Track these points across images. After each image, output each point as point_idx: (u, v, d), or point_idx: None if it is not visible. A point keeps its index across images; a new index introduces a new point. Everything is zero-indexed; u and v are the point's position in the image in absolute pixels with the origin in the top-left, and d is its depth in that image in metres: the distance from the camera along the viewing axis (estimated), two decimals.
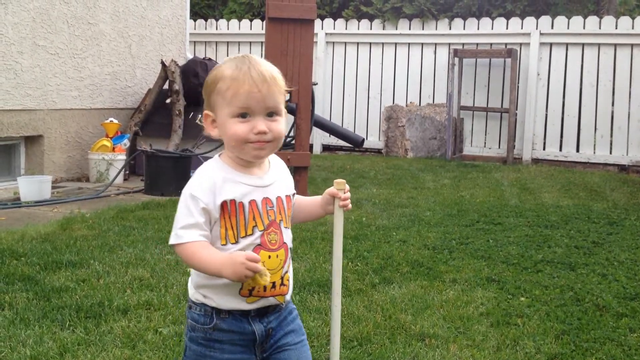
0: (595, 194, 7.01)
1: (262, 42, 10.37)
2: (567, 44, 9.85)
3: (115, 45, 7.92)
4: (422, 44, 10.64)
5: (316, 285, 3.60)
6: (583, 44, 9.75)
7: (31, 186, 6.05)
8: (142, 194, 6.60)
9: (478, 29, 10.36)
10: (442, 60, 10.48)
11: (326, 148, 11.04)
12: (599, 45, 9.67)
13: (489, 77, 10.28)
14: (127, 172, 7.50)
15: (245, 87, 1.69)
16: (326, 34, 10.98)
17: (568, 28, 9.84)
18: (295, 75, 5.82)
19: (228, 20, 11.86)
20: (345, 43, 11.02)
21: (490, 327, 3.12)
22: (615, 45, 9.58)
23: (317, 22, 10.80)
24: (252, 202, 1.72)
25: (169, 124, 7.73)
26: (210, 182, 1.71)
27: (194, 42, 11.41)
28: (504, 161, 9.75)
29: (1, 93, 6.52)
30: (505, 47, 9.98)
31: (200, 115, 1.74)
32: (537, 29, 9.94)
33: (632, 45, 9.49)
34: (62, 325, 2.96)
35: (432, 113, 10.24)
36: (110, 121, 7.41)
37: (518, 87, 9.95)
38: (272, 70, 1.75)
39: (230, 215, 1.70)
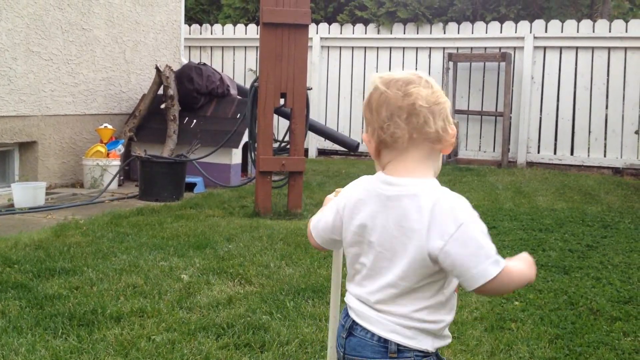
0: (589, 197, 7.03)
1: (257, 47, 10.38)
2: (561, 48, 9.87)
3: (110, 51, 7.91)
4: (417, 48, 10.65)
5: (311, 291, 3.60)
6: (577, 48, 9.78)
7: (25, 192, 6.03)
8: (136, 200, 6.59)
9: (472, 33, 10.38)
10: (436, 64, 10.49)
11: (322, 152, 11.04)
12: (592, 48, 9.70)
13: (483, 81, 10.29)
14: (122, 177, 7.49)
15: None
16: (321, 38, 10.99)
17: (562, 32, 9.87)
18: (290, 80, 5.82)
19: (223, 25, 11.86)
20: (340, 47, 11.03)
21: (484, 332, 3.12)
22: (609, 48, 9.61)
23: (312, 26, 10.81)
24: None
25: (163, 130, 7.72)
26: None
27: (189, 47, 11.41)
28: (499, 164, 9.76)
29: None
30: (500, 51, 10.00)
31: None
32: (531, 32, 9.96)
33: (625, 48, 9.52)
34: (55, 333, 2.95)
35: None
36: (105, 127, 7.40)
37: (512, 90, 9.97)
38: None
39: None
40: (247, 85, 8.80)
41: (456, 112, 10.30)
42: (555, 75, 9.91)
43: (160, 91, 7.96)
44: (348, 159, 10.55)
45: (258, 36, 6.17)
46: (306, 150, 10.56)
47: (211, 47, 11.66)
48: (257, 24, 11.06)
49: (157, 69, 7.84)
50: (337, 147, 10.14)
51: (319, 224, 1.69)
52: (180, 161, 6.74)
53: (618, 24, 9.67)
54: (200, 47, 11.68)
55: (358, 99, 10.93)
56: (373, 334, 1.52)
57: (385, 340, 1.51)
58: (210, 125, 7.78)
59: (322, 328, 3.07)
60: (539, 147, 10.04)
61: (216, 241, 4.66)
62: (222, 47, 11.61)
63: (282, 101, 5.95)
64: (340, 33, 11.06)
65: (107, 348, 2.80)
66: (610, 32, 9.61)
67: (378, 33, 10.97)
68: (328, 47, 11.05)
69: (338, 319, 1.75)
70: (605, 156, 9.68)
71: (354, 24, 11.27)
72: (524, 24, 10.10)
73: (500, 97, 10.11)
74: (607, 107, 9.71)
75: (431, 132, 1.51)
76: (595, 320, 3.30)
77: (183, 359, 2.71)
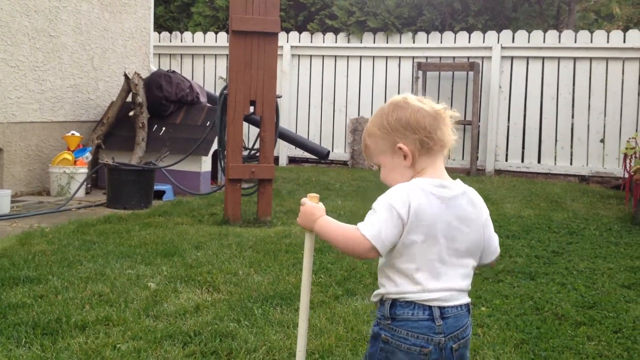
0: (556, 204, 7.13)
1: (227, 55, 10.36)
2: (527, 58, 10.03)
3: (77, 58, 7.83)
4: (387, 57, 10.73)
5: (279, 298, 3.59)
6: (543, 58, 9.94)
7: None
8: (104, 208, 6.52)
9: (441, 42, 10.49)
10: (406, 73, 10.58)
11: (292, 160, 11.04)
12: (558, 58, 9.87)
13: (452, 90, 10.40)
14: (89, 185, 7.41)
15: None
16: (292, 46, 11.02)
17: (529, 42, 10.03)
18: (260, 87, 5.82)
19: (193, 32, 11.83)
20: (311, 56, 11.06)
21: None
22: (575, 58, 9.78)
23: (283, 35, 10.83)
24: None
25: (132, 137, 7.66)
26: None
27: (159, 54, 11.34)
28: (468, 172, 9.86)
29: None
30: (468, 60, 10.12)
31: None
32: (498, 42, 10.10)
33: (590, 58, 9.70)
34: (18, 343, 2.90)
35: None
36: (72, 134, 7.31)
37: (480, 99, 10.09)
38: (365, 131, 1.99)
39: None
40: (217, 93, 8.78)
41: None
42: (522, 84, 10.06)
43: (129, 99, 7.89)
44: (318, 167, 10.57)
45: (228, 44, 6.16)
46: (277, 158, 10.56)
47: (181, 55, 11.61)
48: (227, 32, 11.04)
49: (126, 76, 7.78)
50: (307, 155, 10.14)
51: (383, 237, 1.81)
52: (148, 169, 6.69)
53: (583, 34, 9.85)
54: (170, 54, 11.62)
55: (328, 107, 10.97)
56: (461, 305, 1.85)
57: (467, 304, 1.88)
58: (179, 133, 7.74)
59: (290, 335, 3.07)
60: (506, 155, 10.16)
61: (184, 249, 4.63)
62: (192, 54, 11.56)
63: (251, 109, 5.94)
64: (311, 42, 11.09)
65: (72, 357, 2.76)
66: (575, 42, 9.79)
67: (348, 42, 11.03)
68: (299, 55, 11.07)
69: (307, 322, 1.89)
70: (571, 164, 9.84)
71: (324, 32, 11.32)
72: (491, 34, 10.24)
73: (468, 106, 10.22)
74: (573, 116, 9.88)
75: (452, 139, 1.92)
76: (560, 325, 3.34)
77: None
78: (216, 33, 11.61)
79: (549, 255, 4.76)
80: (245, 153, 6.68)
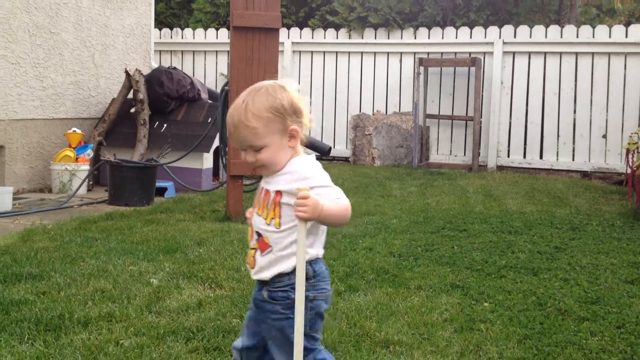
0: (558, 200, 7.12)
1: (228, 51, 10.35)
2: (529, 53, 10.00)
3: (78, 55, 7.83)
4: (388, 53, 10.71)
5: None
6: (545, 53, 9.92)
7: None
8: (106, 205, 6.51)
9: (442, 38, 10.47)
10: (407, 69, 10.56)
11: None
12: (560, 54, 9.84)
13: (453, 86, 10.39)
14: (91, 182, 7.41)
15: (229, 131, 2.15)
16: (293, 43, 11.00)
17: (530, 37, 10.00)
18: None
19: (194, 29, 11.81)
20: (312, 52, 11.04)
21: (454, 333, 3.13)
22: (577, 53, 9.76)
23: (284, 31, 10.82)
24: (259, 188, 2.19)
25: (133, 134, 7.65)
26: None
27: (160, 51, 11.33)
28: (470, 168, 9.84)
29: None
30: (470, 56, 10.10)
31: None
32: (500, 38, 10.08)
33: (592, 53, 9.68)
34: (21, 339, 2.90)
35: (399, 121, 10.31)
36: (73, 131, 7.31)
37: (482, 95, 10.07)
38: (242, 113, 2.07)
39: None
40: (218, 90, 8.76)
41: (427, 116, 10.38)
42: (524, 80, 10.04)
43: (130, 95, 7.89)
44: (320, 163, 10.54)
45: (229, 40, 6.15)
46: None
47: (182, 52, 11.59)
48: (228, 29, 11.01)
49: (127, 72, 7.77)
50: (309, 151, 10.13)
51: None
52: (150, 165, 6.69)
53: (585, 29, 9.83)
54: (171, 51, 11.61)
55: (330, 103, 10.96)
56: None
57: None
58: (181, 130, 7.74)
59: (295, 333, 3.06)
60: (508, 151, 10.15)
61: (187, 245, 4.63)
62: (193, 51, 11.55)
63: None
64: (312, 38, 11.08)
65: (74, 353, 2.76)
66: (577, 37, 9.76)
67: (349, 38, 11.01)
68: (300, 51, 11.06)
69: (304, 313, 2.00)
70: (573, 160, 9.82)
71: (325, 28, 11.30)
72: (493, 30, 10.22)
73: (470, 102, 10.20)
74: (575, 112, 9.86)
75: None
76: (564, 320, 3.34)
77: None
78: (217, 29, 11.60)
79: (552, 251, 4.76)
80: None
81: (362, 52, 10.83)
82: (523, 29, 10.10)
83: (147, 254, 4.36)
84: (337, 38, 10.99)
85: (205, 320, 3.15)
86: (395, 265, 4.25)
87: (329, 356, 2.18)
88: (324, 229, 2.14)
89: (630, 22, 12.75)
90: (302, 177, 2.06)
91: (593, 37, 9.68)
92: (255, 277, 2.16)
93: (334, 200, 2.04)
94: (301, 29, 11.27)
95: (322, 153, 9.34)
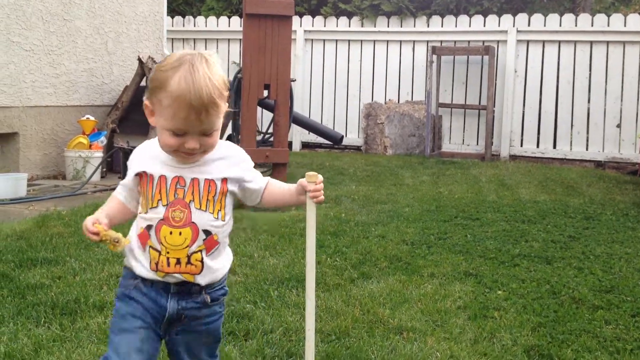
0: (571, 190, 7.08)
1: (240, 39, 10.33)
2: (543, 41, 9.93)
3: (92, 42, 7.84)
4: (401, 41, 10.66)
5: (295, 281, 3.60)
6: (559, 41, 9.85)
7: (6, 184, 5.97)
8: None
9: (456, 26, 10.41)
10: (420, 57, 10.51)
11: (305, 145, 11.03)
12: (575, 42, 9.77)
13: (466, 75, 10.33)
14: (104, 169, 7.44)
15: (184, 113, 1.72)
16: (305, 31, 10.97)
17: (545, 25, 9.93)
18: (274, 71, 5.80)
19: (206, 17, 11.80)
20: (324, 40, 11.01)
21: (467, 320, 3.13)
22: (591, 42, 9.68)
23: (296, 19, 10.79)
24: (162, 177, 1.84)
25: (146, 121, 7.57)
26: (141, 155, 1.92)
27: (172, 39, 11.34)
28: (482, 158, 9.80)
29: None
30: (483, 44, 10.04)
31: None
32: (514, 26, 10.01)
33: (607, 42, 9.60)
34: (37, 322, 2.93)
35: (411, 110, 10.28)
36: (87, 118, 7.33)
37: (496, 84, 10.02)
38: (212, 90, 1.72)
39: (145, 186, 1.86)
40: (231, 77, 8.77)
41: (440, 105, 10.34)
42: (538, 69, 9.97)
43: (143, 83, 7.89)
44: (332, 152, 10.55)
45: (241, 28, 6.14)
46: (290, 144, 10.54)
47: (194, 40, 11.59)
48: (241, 16, 11.02)
49: (140, 60, 7.78)
50: (321, 140, 10.13)
51: None
52: None
53: (600, 18, 9.74)
54: (183, 39, 11.62)
55: (342, 91, 10.93)
56: None
57: None
58: None
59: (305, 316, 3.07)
60: (522, 140, 10.10)
61: None
62: (206, 39, 11.55)
63: (266, 93, 5.93)
64: (324, 26, 11.04)
65: (90, 336, 2.79)
66: (592, 26, 9.68)
67: (362, 26, 10.97)
68: (312, 40, 11.03)
69: (314, 301, 1.97)
70: (587, 149, 9.77)
71: (337, 16, 11.26)
72: (507, 18, 10.14)
73: (483, 91, 10.15)
74: (589, 101, 9.79)
75: None
76: (578, 309, 3.33)
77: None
78: (229, 17, 11.59)
79: (566, 240, 4.74)
80: (259, 137, 6.68)
81: (374, 41, 10.79)
82: (537, 18, 10.02)
83: None
84: (349, 26, 10.95)
85: None
86: (408, 253, 4.25)
87: None
88: None
89: None
90: (240, 159, 1.91)
91: (608, 25, 9.60)
92: (201, 282, 1.86)
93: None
94: (313, 17, 11.24)
95: (334, 142, 9.35)
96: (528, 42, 10.00)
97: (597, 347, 2.86)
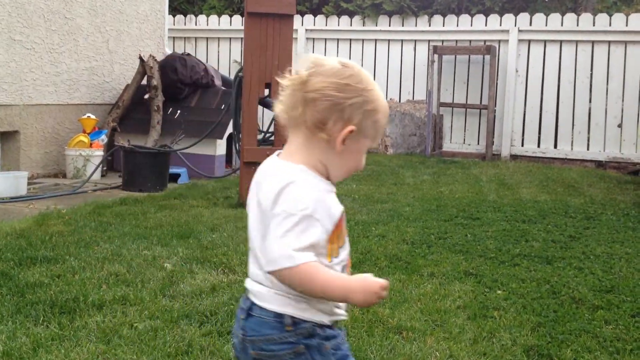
0: (572, 190, 7.07)
1: (241, 38, 10.31)
2: (545, 41, 9.92)
3: (93, 40, 7.84)
4: (402, 40, 10.65)
5: None
6: (561, 41, 9.83)
7: (7, 182, 5.97)
8: (119, 190, 6.54)
9: (457, 25, 10.39)
10: (421, 56, 10.50)
11: None
12: (576, 42, 9.75)
13: (468, 74, 10.32)
14: (105, 168, 7.44)
15: (383, 130, 1.67)
16: (306, 30, 10.97)
17: (546, 25, 9.91)
18: (275, 70, 5.79)
19: (208, 15, 11.80)
20: (326, 39, 11.00)
21: (467, 320, 3.13)
22: (593, 42, 9.66)
23: (297, 18, 10.78)
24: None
25: (147, 120, 7.67)
26: (322, 194, 1.55)
27: (173, 37, 11.33)
28: (483, 157, 9.79)
29: None
30: (484, 44, 10.02)
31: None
32: (515, 25, 9.99)
33: (609, 42, 9.58)
34: (36, 321, 2.92)
35: (412, 109, 10.27)
36: (88, 117, 7.33)
37: (497, 83, 10.00)
38: None
39: (341, 225, 1.57)
40: (232, 76, 8.76)
41: (441, 104, 10.33)
42: (540, 68, 9.96)
43: (144, 81, 7.90)
44: None
45: (243, 27, 6.14)
46: None
47: (195, 38, 11.59)
48: (242, 15, 11.01)
49: (141, 59, 7.78)
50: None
51: None
52: (164, 152, 6.70)
53: (602, 17, 9.72)
54: (185, 37, 11.61)
55: None
56: (269, 311, 1.55)
57: (281, 315, 1.54)
58: (194, 116, 7.74)
59: None
60: (522, 140, 10.09)
61: (200, 231, 4.64)
62: (207, 38, 11.54)
63: (267, 92, 5.92)
64: (326, 25, 11.03)
65: (89, 335, 2.78)
66: (594, 26, 9.66)
67: (363, 25, 10.96)
68: (313, 39, 11.02)
69: None
70: (588, 149, 9.75)
71: (339, 15, 11.25)
72: (508, 17, 10.13)
73: (484, 90, 10.14)
74: (590, 101, 9.77)
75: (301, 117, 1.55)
76: (577, 308, 3.32)
77: (166, 346, 2.70)
78: (231, 16, 11.58)
79: (566, 240, 4.73)
80: (260, 136, 6.68)
81: (376, 40, 10.78)
82: (539, 17, 10.01)
83: (161, 239, 4.38)
84: (351, 25, 10.94)
85: (218, 305, 3.16)
86: (408, 253, 4.24)
87: None
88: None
89: None
90: None
91: (610, 25, 9.58)
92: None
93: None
94: (315, 16, 11.23)
95: None
96: (529, 41, 9.98)
97: (596, 347, 2.86)
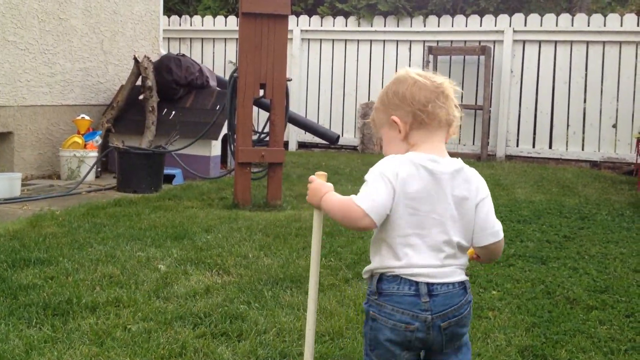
0: (567, 190, 7.08)
1: (236, 39, 10.30)
2: (540, 42, 9.93)
3: (87, 41, 7.82)
4: (397, 41, 10.66)
5: (289, 281, 3.58)
6: (556, 42, 9.85)
7: (0, 183, 5.94)
8: (114, 191, 6.52)
9: (452, 26, 10.40)
10: (416, 57, 10.51)
11: (302, 145, 11.02)
12: (571, 42, 9.77)
13: (463, 74, 10.33)
14: (99, 169, 7.42)
15: None
16: (301, 30, 10.96)
17: (541, 25, 9.93)
18: (269, 70, 5.79)
19: (202, 16, 11.78)
20: (321, 40, 11.00)
21: None
22: (587, 42, 9.68)
23: (292, 18, 10.77)
24: None
25: (142, 121, 7.65)
26: None
27: (168, 38, 11.31)
28: (478, 158, 9.80)
29: None
30: (479, 44, 10.03)
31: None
32: (510, 26, 10.01)
33: (603, 42, 9.60)
34: (29, 323, 2.91)
35: None
36: (82, 118, 7.31)
37: (492, 84, 10.01)
38: (373, 108, 1.99)
39: None
40: (227, 77, 8.75)
41: None
42: (535, 69, 9.97)
43: (139, 82, 7.88)
44: (328, 152, 10.54)
45: (238, 28, 6.13)
46: (286, 143, 10.54)
47: (190, 39, 11.57)
48: (237, 16, 11.00)
49: (136, 59, 7.76)
50: (317, 139, 10.11)
51: (376, 204, 1.78)
52: (158, 152, 6.69)
53: (596, 18, 9.74)
54: (180, 38, 11.59)
55: (338, 91, 10.92)
56: (454, 283, 1.82)
57: (463, 282, 1.86)
58: (189, 117, 7.73)
59: (300, 317, 3.06)
60: (518, 140, 10.10)
61: (194, 232, 4.63)
62: (202, 38, 11.53)
63: (261, 92, 5.91)
64: (321, 25, 11.03)
65: (82, 337, 2.77)
66: (588, 26, 9.68)
67: (359, 26, 10.96)
68: (308, 39, 11.02)
69: (317, 302, 1.92)
70: (583, 149, 9.77)
71: (334, 16, 11.25)
72: (503, 18, 10.14)
73: (479, 91, 10.15)
74: (585, 101, 9.79)
75: (453, 116, 1.89)
76: (572, 309, 3.32)
77: (159, 348, 2.69)
78: (226, 17, 11.57)
79: (561, 240, 4.73)
80: (255, 137, 6.67)
81: (371, 40, 10.78)
82: (534, 18, 10.02)
83: (155, 240, 4.36)
84: (346, 26, 10.94)
85: (212, 306, 3.15)
86: None
87: None
88: (399, 234, 1.80)
89: None
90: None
91: (604, 25, 9.60)
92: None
93: (346, 197, 1.85)
94: (310, 16, 11.22)
95: (330, 141, 9.32)
96: (524, 42, 10.00)
97: (591, 348, 2.86)
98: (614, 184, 7.71)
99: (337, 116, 10.94)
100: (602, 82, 9.65)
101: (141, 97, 7.74)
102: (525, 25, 10.00)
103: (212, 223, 4.96)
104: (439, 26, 10.46)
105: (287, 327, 2.95)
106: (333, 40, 10.94)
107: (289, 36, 6.23)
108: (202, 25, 11.51)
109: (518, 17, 10.11)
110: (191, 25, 11.60)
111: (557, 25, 9.85)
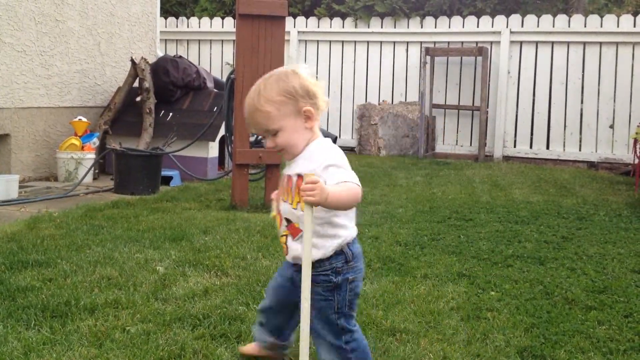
0: (564, 190, 7.09)
1: (233, 41, 10.31)
2: (537, 42, 9.95)
3: (84, 43, 7.81)
4: (394, 42, 10.67)
5: None
6: (553, 42, 9.87)
7: None
8: (111, 193, 6.51)
9: (449, 27, 10.42)
10: (414, 58, 10.52)
11: None
12: (568, 43, 9.79)
13: (460, 76, 10.34)
14: (97, 171, 7.41)
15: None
16: (298, 32, 10.96)
17: (538, 26, 9.95)
18: (267, 72, 5.77)
19: (199, 18, 11.78)
20: (318, 41, 11.01)
21: (460, 321, 3.12)
22: (584, 43, 9.71)
23: (289, 20, 10.78)
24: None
25: (139, 123, 7.64)
26: None
27: (165, 40, 11.31)
28: (476, 159, 9.81)
29: None
30: (476, 45, 10.05)
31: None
32: (507, 27, 10.03)
33: (600, 43, 9.62)
34: (28, 325, 2.90)
35: (405, 111, 10.28)
36: (79, 119, 7.30)
37: (489, 85, 10.03)
38: (254, 99, 2.19)
39: None
40: (224, 79, 8.75)
41: (433, 106, 10.35)
42: (532, 70, 9.99)
43: (136, 84, 7.87)
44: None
45: (235, 29, 6.13)
46: None
47: (188, 41, 11.57)
48: (234, 17, 11.00)
49: (133, 61, 7.75)
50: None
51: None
52: (156, 154, 6.68)
53: (593, 19, 9.77)
54: (177, 40, 11.59)
55: (336, 93, 10.93)
56: None
57: None
58: (186, 118, 7.72)
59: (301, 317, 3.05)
60: (515, 141, 10.12)
61: (192, 233, 4.62)
62: (199, 40, 11.53)
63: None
64: (318, 27, 11.04)
65: (81, 339, 2.76)
66: (585, 27, 9.71)
67: (355, 27, 10.97)
68: (305, 41, 11.02)
69: (309, 301, 2.04)
70: (580, 150, 9.79)
71: (331, 17, 11.26)
72: (500, 19, 10.16)
73: (477, 92, 10.16)
74: (582, 102, 9.82)
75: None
76: (571, 309, 3.32)
77: (158, 350, 2.68)
78: (223, 18, 11.57)
79: (559, 241, 4.74)
80: (253, 139, 6.66)
81: (368, 42, 10.79)
82: (530, 18, 10.04)
83: (153, 241, 4.36)
84: (343, 27, 10.95)
85: (211, 308, 3.15)
86: (401, 254, 4.24)
87: (361, 338, 2.30)
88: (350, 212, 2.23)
89: (638, 12, 12.67)
90: (321, 159, 2.13)
91: (601, 26, 9.63)
92: (292, 262, 2.27)
93: (342, 183, 2.07)
94: (307, 18, 11.23)
95: None
96: (521, 43, 10.02)
97: (590, 348, 2.86)
98: (612, 184, 7.72)
99: (334, 117, 10.95)
100: (599, 82, 9.67)
101: (138, 99, 7.74)
102: (522, 26, 10.02)
103: (210, 224, 4.95)
104: (436, 27, 10.47)
105: None
106: (330, 41, 10.95)
107: (286, 37, 6.24)
108: (199, 27, 11.51)
109: (515, 18, 10.12)
110: (188, 26, 11.59)
111: (553, 26, 9.87)
